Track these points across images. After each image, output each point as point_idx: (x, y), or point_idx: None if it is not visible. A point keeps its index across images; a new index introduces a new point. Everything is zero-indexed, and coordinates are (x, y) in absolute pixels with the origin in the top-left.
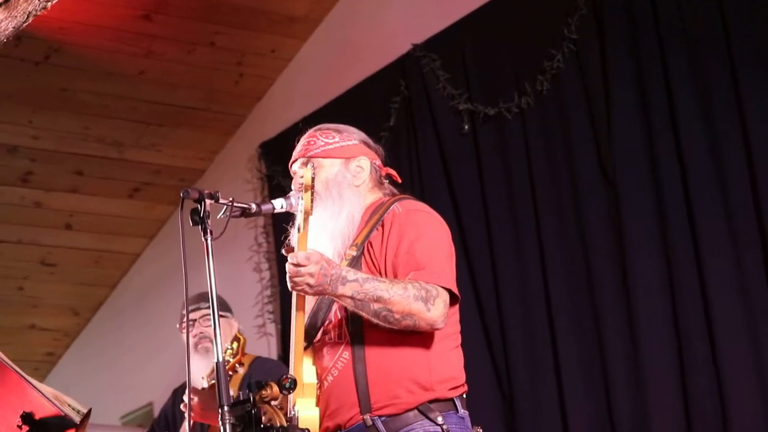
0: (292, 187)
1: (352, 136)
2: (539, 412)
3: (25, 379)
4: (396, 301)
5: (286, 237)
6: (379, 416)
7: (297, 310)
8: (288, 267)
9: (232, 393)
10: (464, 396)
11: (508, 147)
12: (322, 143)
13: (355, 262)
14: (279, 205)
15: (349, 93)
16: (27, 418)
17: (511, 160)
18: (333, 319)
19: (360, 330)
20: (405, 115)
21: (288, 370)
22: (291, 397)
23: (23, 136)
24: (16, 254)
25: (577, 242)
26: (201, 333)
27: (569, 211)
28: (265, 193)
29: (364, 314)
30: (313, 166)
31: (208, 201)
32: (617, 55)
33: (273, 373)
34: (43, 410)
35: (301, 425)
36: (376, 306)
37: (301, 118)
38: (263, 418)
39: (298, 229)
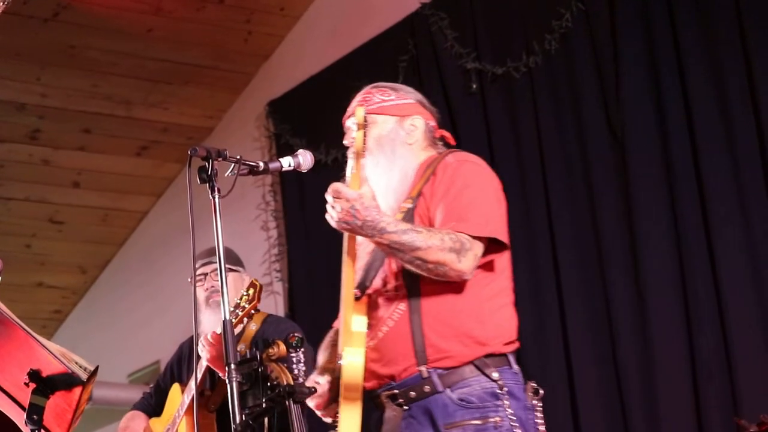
0: (345, 142)
1: (408, 95)
2: (546, 359)
3: (32, 336)
4: (432, 251)
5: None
6: (435, 369)
7: (347, 255)
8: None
9: (243, 347)
10: (515, 352)
11: (516, 106)
12: (378, 100)
13: (409, 214)
14: (287, 163)
15: (357, 52)
16: (34, 375)
17: (519, 120)
18: (389, 271)
19: (417, 282)
20: (413, 74)
21: (299, 330)
22: (339, 344)
23: (31, 93)
24: (23, 212)
25: (585, 201)
26: (212, 287)
27: (577, 171)
28: (273, 152)
29: (398, 259)
30: (366, 107)
31: (215, 159)
32: (626, 14)
33: (285, 332)
34: (50, 368)
35: (344, 373)
36: (411, 255)
37: (309, 76)
38: (271, 376)
39: (352, 170)
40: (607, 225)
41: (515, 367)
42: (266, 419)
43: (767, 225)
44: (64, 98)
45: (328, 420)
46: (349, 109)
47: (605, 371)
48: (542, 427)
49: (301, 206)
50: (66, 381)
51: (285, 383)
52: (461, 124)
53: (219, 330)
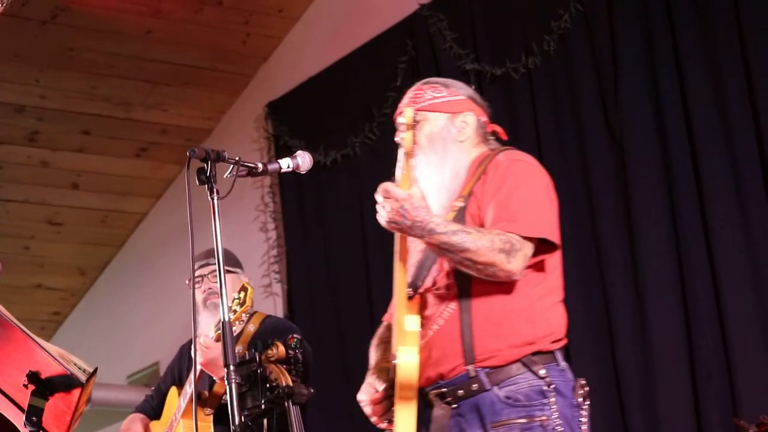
0: (396, 139)
1: (459, 92)
2: None
3: (31, 338)
4: (481, 253)
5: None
6: (483, 368)
7: (398, 254)
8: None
9: (241, 349)
10: (562, 349)
11: (515, 107)
12: (429, 97)
13: (461, 213)
14: (285, 164)
15: (356, 53)
16: (33, 376)
17: (518, 121)
18: (440, 270)
19: (468, 281)
20: (412, 75)
21: (298, 331)
22: (393, 343)
23: (30, 95)
24: (22, 213)
25: (584, 202)
26: (209, 289)
27: (576, 172)
28: (272, 153)
29: (447, 259)
30: (414, 107)
31: (214, 160)
32: (625, 15)
33: (284, 333)
34: (49, 369)
35: (400, 373)
36: (461, 255)
37: (307, 78)
38: (270, 377)
39: (402, 170)
40: (606, 225)
41: (562, 364)
42: (265, 420)
43: (766, 226)
44: (63, 100)
45: (382, 426)
46: (400, 106)
47: (604, 371)
48: (585, 426)
49: (299, 207)
50: (65, 382)
51: (284, 384)
52: None
53: (212, 334)
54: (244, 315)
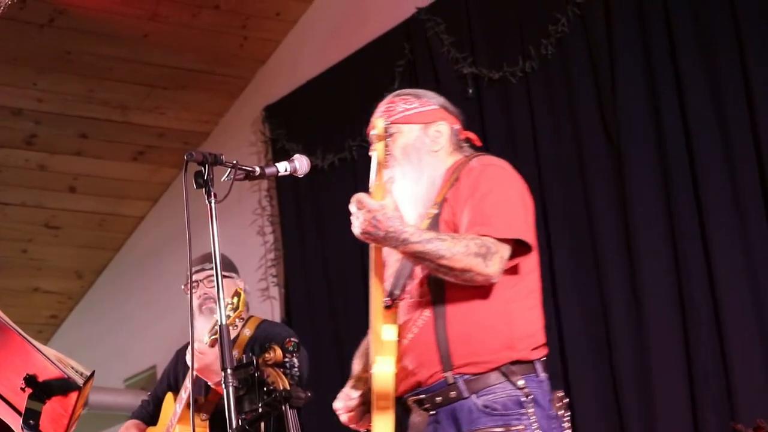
0: (370, 153)
1: (431, 101)
2: None
3: (28, 341)
4: (457, 259)
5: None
6: (461, 375)
7: (374, 265)
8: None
9: (237, 353)
10: (544, 359)
11: (513, 111)
12: (402, 109)
13: (435, 220)
14: (283, 168)
15: (353, 57)
16: (30, 380)
17: (516, 124)
18: (415, 278)
19: (441, 288)
20: (409, 79)
21: (294, 335)
22: (370, 353)
23: (28, 98)
24: (20, 217)
25: (581, 206)
26: (205, 294)
27: (573, 175)
28: (269, 156)
29: (424, 267)
30: (386, 118)
31: (212, 164)
32: (622, 19)
33: (280, 336)
34: (46, 373)
35: (376, 382)
36: (437, 263)
37: (305, 81)
38: (267, 380)
39: (374, 180)
40: (604, 229)
41: (542, 375)
42: (262, 424)
43: (764, 228)
44: (61, 103)
45: None
46: (372, 120)
47: (602, 374)
48: None
49: (297, 211)
50: (62, 386)
51: (281, 388)
52: None
53: (206, 339)
54: (237, 320)
